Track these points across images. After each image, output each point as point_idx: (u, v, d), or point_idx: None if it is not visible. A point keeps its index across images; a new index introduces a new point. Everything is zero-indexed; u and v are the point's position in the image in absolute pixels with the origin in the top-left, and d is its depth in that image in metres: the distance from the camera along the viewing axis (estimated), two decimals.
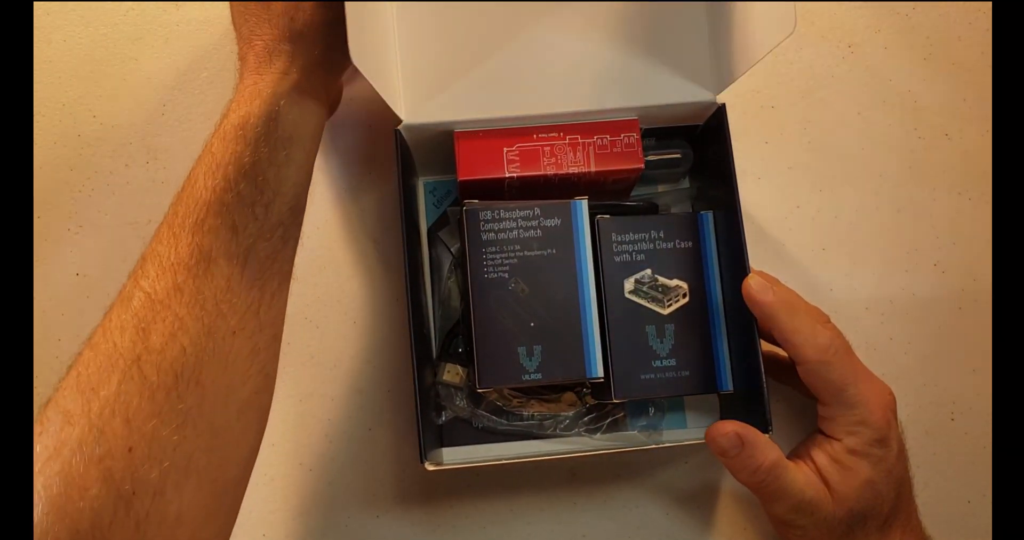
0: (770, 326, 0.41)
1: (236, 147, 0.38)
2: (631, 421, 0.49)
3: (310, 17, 0.40)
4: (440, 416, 0.48)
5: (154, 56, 0.55)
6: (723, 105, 0.45)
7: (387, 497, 0.50)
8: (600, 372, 0.43)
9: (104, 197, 0.53)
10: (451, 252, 0.50)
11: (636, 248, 0.45)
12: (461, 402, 0.48)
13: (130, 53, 0.55)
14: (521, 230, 0.44)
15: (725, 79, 0.44)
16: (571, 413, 0.49)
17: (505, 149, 0.45)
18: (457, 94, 0.44)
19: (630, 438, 0.49)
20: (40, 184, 0.53)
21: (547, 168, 0.45)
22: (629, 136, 0.45)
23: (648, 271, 0.45)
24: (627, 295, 0.45)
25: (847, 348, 0.42)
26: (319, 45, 0.40)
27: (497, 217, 0.44)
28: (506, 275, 0.44)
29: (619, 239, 0.45)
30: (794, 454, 0.43)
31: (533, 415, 0.49)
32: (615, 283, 0.45)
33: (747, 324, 0.43)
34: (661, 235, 0.45)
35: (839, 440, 0.41)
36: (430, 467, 0.42)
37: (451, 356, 0.49)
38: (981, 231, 0.54)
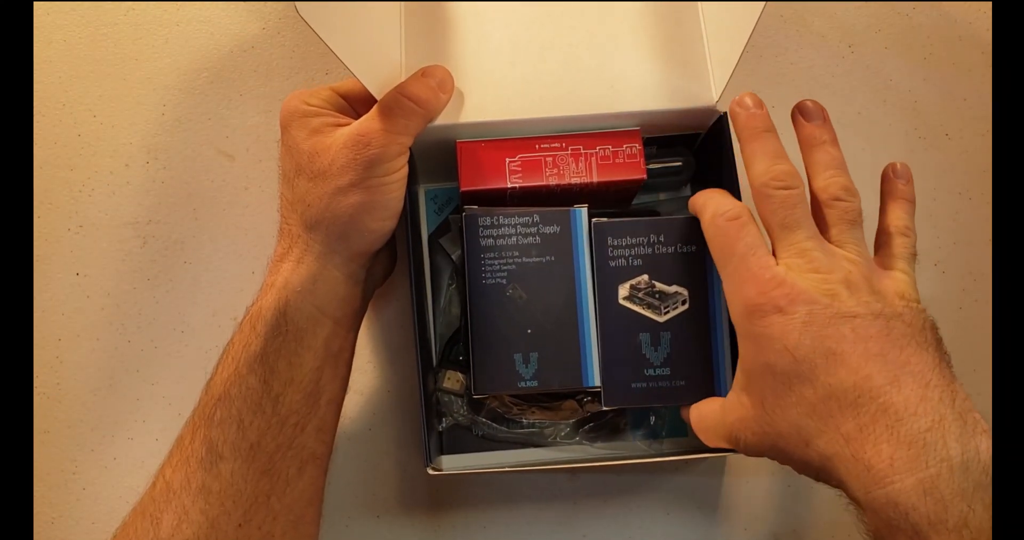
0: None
1: (248, 340, 0.39)
2: (632, 430, 0.49)
3: (324, 206, 0.40)
4: (440, 423, 0.48)
5: (154, 56, 0.55)
6: (725, 113, 0.45)
7: (388, 497, 0.50)
8: (597, 381, 0.43)
9: (104, 197, 0.53)
10: (452, 259, 0.50)
11: (633, 253, 0.44)
12: (461, 409, 0.48)
13: (130, 53, 0.55)
14: (520, 236, 0.44)
15: (724, 71, 0.44)
16: (572, 421, 0.49)
17: (507, 159, 0.45)
18: (459, 101, 0.44)
19: (631, 447, 0.49)
20: (40, 184, 0.53)
21: (549, 179, 0.44)
22: (631, 147, 0.45)
23: (645, 277, 0.44)
24: (621, 301, 0.43)
25: (790, 224, 0.37)
26: (333, 234, 0.40)
27: (496, 223, 0.44)
28: (504, 281, 0.44)
29: (615, 243, 0.44)
30: None
31: (534, 423, 0.49)
32: (609, 289, 0.44)
33: None
34: (661, 239, 0.44)
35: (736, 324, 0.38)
36: (432, 472, 0.42)
37: (451, 363, 0.49)
38: (981, 231, 0.54)
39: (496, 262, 0.44)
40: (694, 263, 0.44)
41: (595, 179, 0.44)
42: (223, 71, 0.55)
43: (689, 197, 0.51)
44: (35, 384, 0.51)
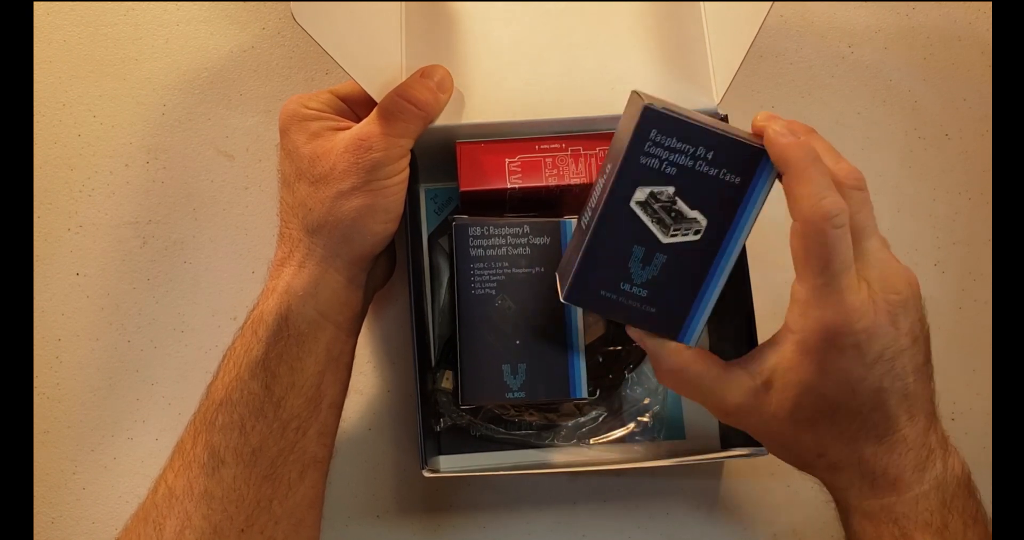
0: (782, 171, 0.35)
1: (250, 344, 0.39)
2: (629, 433, 0.49)
3: (326, 210, 0.39)
4: (438, 423, 0.48)
5: (154, 56, 0.55)
6: (725, 116, 0.45)
7: (388, 497, 0.50)
8: (585, 393, 0.43)
9: (104, 197, 0.53)
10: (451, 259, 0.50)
11: (671, 159, 0.36)
12: (459, 410, 0.48)
13: (130, 53, 0.55)
14: (510, 247, 0.44)
15: (726, 74, 0.44)
16: (569, 423, 0.49)
17: (507, 160, 0.45)
18: (459, 102, 0.44)
19: (628, 449, 0.49)
20: (40, 184, 0.53)
21: (549, 179, 0.44)
22: None
23: (671, 189, 0.37)
24: (632, 204, 0.37)
25: (864, 229, 0.35)
26: (335, 238, 0.40)
27: (486, 233, 0.44)
28: (493, 291, 0.44)
29: (657, 139, 0.36)
30: (753, 352, 0.38)
31: (532, 424, 0.49)
32: (625, 185, 0.37)
33: (748, 345, 0.42)
34: (709, 156, 0.36)
35: (793, 332, 0.35)
36: (428, 474, 0.42)
37: (450, 363, 0.48)
38: (981, 231, 0.54)
39: (486, 272, 0.44)
40: (729, 196, 0.37)
41: (594, 179, 0.44)
42: (223, 71, 0.55)
43: None
44: (35, 384, 0.51)
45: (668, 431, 0.50)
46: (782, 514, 0.51)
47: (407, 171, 0.41)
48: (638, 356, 0.50)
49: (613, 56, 0.45)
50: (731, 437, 0.48)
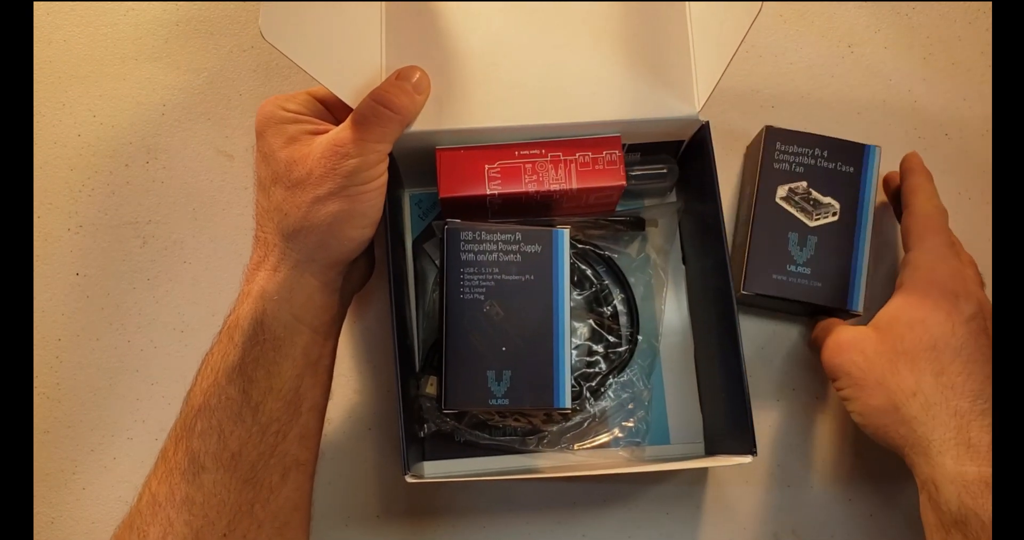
0: (906, 173, 0.47)
1: (226, 350, 0.39)
2: (613, 438, 0.49)
3: (302, 216, 0.39)
4: (423, 429, 0.48)
5: (154, 56, 0.55)
6: (707, 123, 0.44)
7: (387, 496, 0.50)
8: (568, 402, 0.43)
9: (104, 197, 0.53)
10: (436, 264, 0.50)
11: (797, 161, 0.49)
12: (443, 415, 0.48)
13: (130, 53, 0.55)
14: (501, 253, 0.44)
15: (709, 81, 0.43)
16: (553, 428, 0.48)
17: (487, 166, 0.44)
18: (441, 106, 0.43)
19: (612, 454, 0.49)
20: (40, 184, 0.53)
21: (528, 185, 0.44)
22: (611, 153, 0.44)
23: (803, 184, 0.48)
24: (777, 200, 0.48)
25: (941, 235, 0.44)
26: (311, 243, 0.39)
27: (478, 238, 0.44)
28: (482, 297, 0.43)
29: (782, 148, 0.49)
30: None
31: (516, 429, 0.48)
32: (768, 187, 0.48)
33: (734, 355, 0.43)
34: (825, 155, 0.49)
35: (905, 283, 0.44)
36: (411, 480, 0.41)
37: (434, 369, 0.48)
38: (981, 231, 0.54)
39: (475, 278, 0.43)
40: (850, 182, 0.48)
41: (575, 186, 0.44)
42: (223, 71, 0.55)
43: (674, 202, 0.51)
44: (35, 384, 0.51)
45: (653, 436, 0.50)
46: (782, 514, 0.51)
47: (385, 176, 0.40)
48: (623, 361, 0.50)
49: (595, 60, 0.44)
50: (716, 442, 0.48)
